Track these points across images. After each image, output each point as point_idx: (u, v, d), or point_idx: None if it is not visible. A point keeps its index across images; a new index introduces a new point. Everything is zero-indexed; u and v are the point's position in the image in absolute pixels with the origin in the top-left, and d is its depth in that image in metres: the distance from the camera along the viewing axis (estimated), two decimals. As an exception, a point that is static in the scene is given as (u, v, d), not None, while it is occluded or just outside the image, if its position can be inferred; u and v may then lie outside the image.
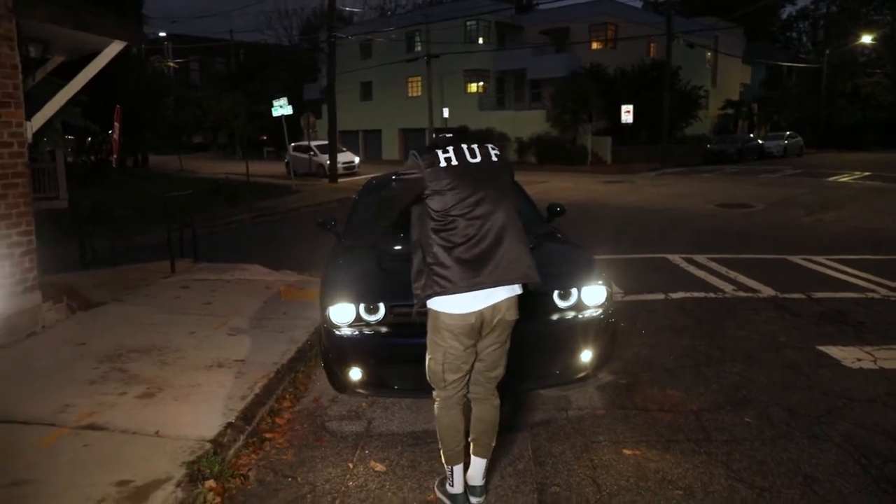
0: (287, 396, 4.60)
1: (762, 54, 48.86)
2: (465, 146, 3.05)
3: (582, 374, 4.40)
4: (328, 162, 26.48)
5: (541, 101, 37.76)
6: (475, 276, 2.90)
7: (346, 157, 29.58)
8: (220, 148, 52.37)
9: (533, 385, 4.44)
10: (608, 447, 3.84)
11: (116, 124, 11.27)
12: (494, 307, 2.99)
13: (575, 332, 4.27)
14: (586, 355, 4.29)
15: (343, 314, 4.12)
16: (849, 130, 44.38)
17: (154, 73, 41.64)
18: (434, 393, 3.21)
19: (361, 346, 4.10)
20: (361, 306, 4.13)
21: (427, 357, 3.14)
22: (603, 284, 4.38)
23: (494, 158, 3.11)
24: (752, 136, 39.32)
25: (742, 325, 6.20)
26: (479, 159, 3.04)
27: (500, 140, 35.76)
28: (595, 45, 37.63)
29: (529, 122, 35.29)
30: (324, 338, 4.31)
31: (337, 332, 4.12)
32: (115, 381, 4.54)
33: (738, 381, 4.82)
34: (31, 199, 5.46)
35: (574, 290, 4.31)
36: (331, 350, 4.23)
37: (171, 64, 48.97)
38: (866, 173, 24.02)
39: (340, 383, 4.32)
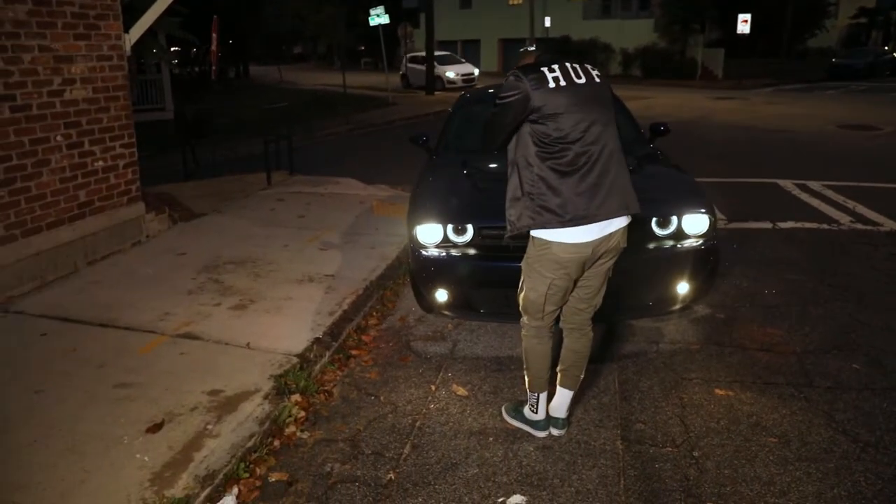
0: (374, 314, 4.64)
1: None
2: (568, 65, 2.82)
3: (677, 307, 4.19)
4: (449, 74, 25.81)
5: (649, 10, 35.43)
6: (589, 206, 2.75)
7: (464, 68, 28.62)
8: (319, 58, 52.67)
9: (624, 315, 4.28)
10: (699, 385, 3.67)
11: (214, 35, 11.38)
12: (610, 236, 2.84)
13: (672, 262, 4.04)
14: (683, 287, 4.07)
15: (430, 234, 4.05)
16: None
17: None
18: (524, 320, 3.11)
19: (448, 268, 4.03)
20: (449, 227, 4.04)
21: (525, 287, 3.01)
22: (706, 213, 4.08)
23: (597, 80, 2.88)
24: (886, 48, 35.64)
25: (857, 261, 5.73)
26: (583, 80, 2.81)
27: (605, 52, 34.15)
28: (713, -54, 34.63)
29: (636, 33, 33.29)
30: (410, 257, 4.28)
31: (424, 253, 4.07)
32: (211, 291, 4.71)
33: (848, 323, 4.47)
34: (131, 112, 5.61)
35: (674, 218, 4.05)
36: (417, 271, 4.19)
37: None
38: None
39: (427, 303, 4.30)
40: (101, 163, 5.29)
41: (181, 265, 5.25)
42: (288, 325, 4.19)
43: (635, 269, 4.03)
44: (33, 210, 4.70)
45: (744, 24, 27.61)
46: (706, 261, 4.16)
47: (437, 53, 28.38)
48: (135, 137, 5.67)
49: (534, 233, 2.86)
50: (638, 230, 4.03)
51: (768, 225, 6.88)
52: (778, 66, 29.28)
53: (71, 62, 4.97)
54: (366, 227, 6.48)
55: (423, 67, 27.29)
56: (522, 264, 3.01)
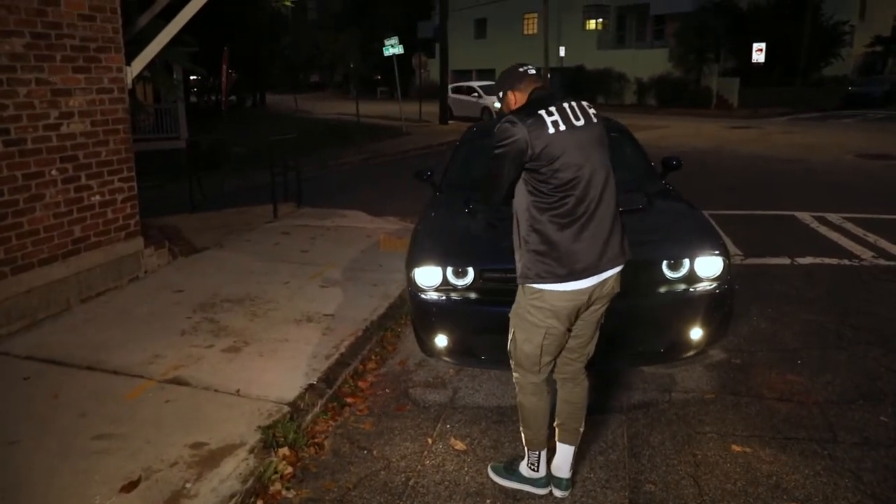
0: (373, 357, 4.45)
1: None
2: (566, 105, 2.64)
3: (690, 354, 3.97)
4: (497, 104, 25.66)
5: (664, 39, 35.53)
6: (589, 258, 2.60)
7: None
8: (335, 87, 53.12)
9: (634, 362, 4.06)
10: (714, 440, 3.43)
11: (224, 66, 11.39)
12: (604, 282, 2.68)
13: (685, 307, 3.84)
14: (696, 333, 3.85)
15: (429, 277, 3.87)
16: None
17: (271, 12, 42.36)
18: (518, 376, 2.91)
19: (448, 313, 3.84)
20: (449, 269, 3.86)
21: (518, 339, 2.81)
22: (720, 255, 3.88)
23: (595, 120, 2.70)
24: (902, 76, 35.40)
25: (881, 300, 5.48)
26: (582, 121, 2.63)
27: (619, 81, 34.13)
28: (727, -23, 34.69)
29: (650, 62, 33.29)
30: (409, 300, 4.10)
31: (422, 296, 3.89)
32: (206, 332, 4.55)
33: (874, 370, 4.22)
34: (132, 145, 5.51)
35: (686, 261, 3.85)
36: (416, 315, 4.01)
37: (288, 3, 49.61)
38: None
39: (427, 348, 4.11)
40: (98, 197, 5.19)
41: (177, 303, 5.10)
42: (282, 369, 4.01)
43: (646, 314, 3.84)
44: (24, 246, 4.59)
45: (759, 52, 27.57)
46: (721, 305, 3.95)
47: (480, 84, 27.93)
48: (134, 171, 5.57)
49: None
50: (649, 273, 3.85)
51: (787, 261, 6.64)
52: (794, 95, 29.05)
53: (69, 95, 4.89)
54: (370, 262, 6.32)
55: (469, 98, 26.64)
56: (511, 314, 2.82)
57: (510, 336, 2.85)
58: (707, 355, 4.38)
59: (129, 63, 5.48)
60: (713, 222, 4.58)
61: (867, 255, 6.78)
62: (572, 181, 2.56)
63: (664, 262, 3.85)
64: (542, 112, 2.58)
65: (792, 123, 23.28)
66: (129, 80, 5.47)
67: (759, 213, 8.84)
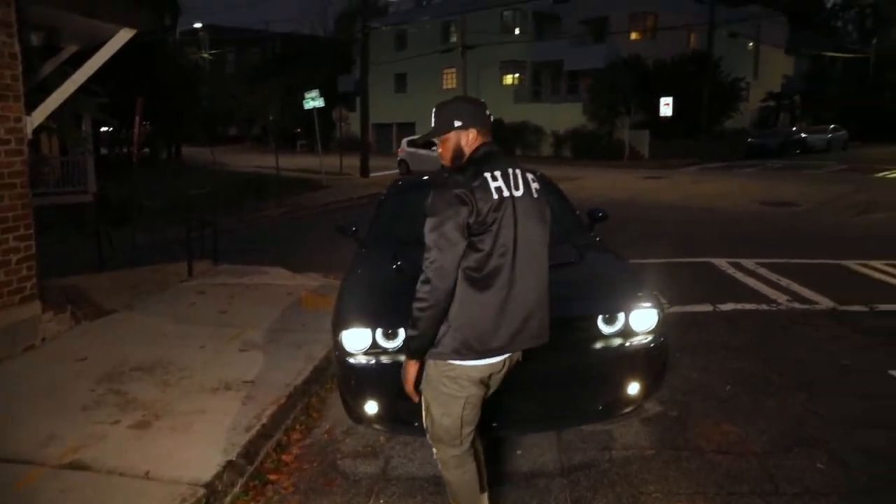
0: (298, 426, 4.15)
1: (806, 44, 47.12)
2: (510, 171, 2.48)
3: (628, 410, 3.88)
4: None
5: (578, 94, 36.93)
6: (504, 338, 2.47)
7: None
8: (254, 140, 52.44)
9: (573, 422, 3.92)
10: (659, 500, 3.31)
11: (137, 118, 10.96)
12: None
13: (622, 361, 3.76)
14: (634, 388, 3.77)
15: (357, 340, 3.65)
16: (896, 123, 42.67)
17: (189, 64, 41.71)
18: (438, 452, 2.70)
19: (378, 377, 3.61)
20: (378, 331, 3.65)
21: (435, 414, 2.59)
22: (654, 307, 3.84)
23: (535, 194, 2.55)
24: (794, 129, 37.94)
25: (801, 344, 5.62)
26: (521, 191, 2.47)
27: (536, 134, 35.14)
28: (634, 36, 36.63)
29: (566, 116, 34.49)
30: (335, 364, 3.85)
31: (350, 360, 3.64)
32: (111, 405, 4.14)
33: (803, 415, 4.25)
34: (30, 201, 5.10)
35: (621, 315, 3.79)
36: (343, 380, 3.76)
37: (206, 55, 49.08)
38: (918, 169, 22.86)
39: (356, 415, 3.85)
40: (-11, 259, 4.74)
41: (78, 373, 4.66)
42: (197, 445, 3.66)
43: (584, 371, 3.73)
44: None
45: (666, 106, 29.04)
46: (657, 357, 3.90)
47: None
48: (33, 228, 5.14)
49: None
50: (584, 329, 3.77)
51: (709, 307, 6.76)
52: (699, 146, 30.64)
53: (-42, 148, 4.50)
54: (293, 322, 6.02)
55: (429, 152, 22.97)
56: (423, 387, 2.61)
57: (424, 411, 2.64)
58: (643, 409, 4.30)
59: (29, 113, 5.11)
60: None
61: (782, 298, 6.98)
62: (503, 254, 2.41)
63: (600, 317, 3.77)
64: (488, 176, 2.41)
65: (700, 173, 24.38)
66: (29, 131, 5.09)
67: (678, 261, 9.04)
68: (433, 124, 2.58)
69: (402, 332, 3.64)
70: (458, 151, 2.54)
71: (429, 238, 2.37)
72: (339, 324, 3.72)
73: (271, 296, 6.99)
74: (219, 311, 6.36)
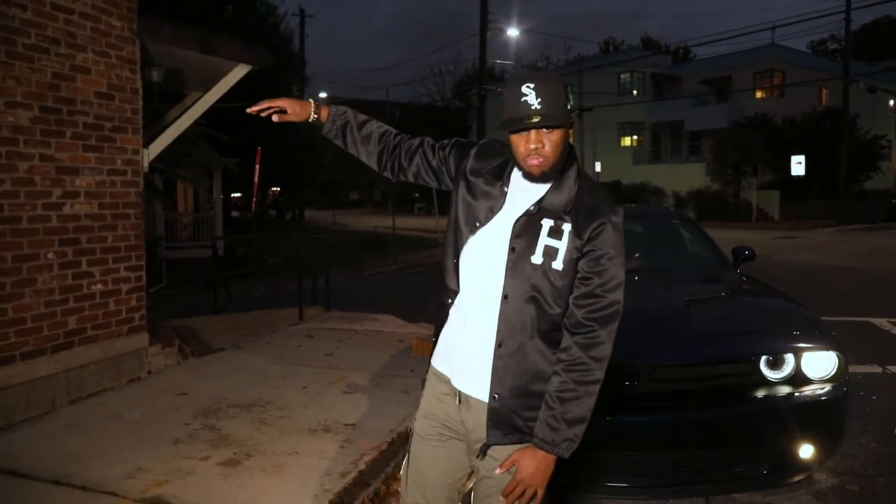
0: (399, 476, 3.67)
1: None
2: None
3: (799, 478, 3.13)
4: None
5: (699, 154, 35.63)
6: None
7: None
8: (374, 204, 54.12)
9: (726, 488, 3.21)
10: None
11: (257, 167, 11.20)
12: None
13: (792, 415, 3.04)
14: (806, 451, 3.04)
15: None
16: None
17: (315, 132, 43.74)
18: None
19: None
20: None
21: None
22: (832, 349, 3.13)
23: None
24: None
25: None
26: None
27: (656, 195, 34.02)
28: (759, 94, 35.15)
29: (687, 176, 33.16)
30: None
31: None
32: (203, 440, 3.83)
33: None
34: (143, 232, 5.04)
35: (790, 356, 3.10)
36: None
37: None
38: None
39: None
40: (99, 286, 4.66)
41: (177, 407, 4.42)
42: (286, 488, 3.25)
43: (743, 424, 3.04)
44: (6, 336, 4.00)
45: (798, 165, 27.19)
46: (836, 414, 3.14)
47: None
48: (144, 260, 5.07)
49: None
50: (744, 373, 3.10)
51: (878, 369, 5.84)
52: (836, 207, 28.45)
53: (76, 174, 4.48)
54: (401, 367, 5.62)
55: None
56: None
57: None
58: (812, 480, 3.51)
59: (146, 146, 5.12)
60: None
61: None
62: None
63: (763, 359, 3.09)
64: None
65: (840, 234, 22.46)
66: (146, 163, 5.08)
67: (833, 319, 7.95)
68: (537, 106, 1.73)
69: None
70: (567, 148, 1.85)
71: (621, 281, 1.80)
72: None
73: (381, 342, 6.66)
74: (325, 354, 6.07)
